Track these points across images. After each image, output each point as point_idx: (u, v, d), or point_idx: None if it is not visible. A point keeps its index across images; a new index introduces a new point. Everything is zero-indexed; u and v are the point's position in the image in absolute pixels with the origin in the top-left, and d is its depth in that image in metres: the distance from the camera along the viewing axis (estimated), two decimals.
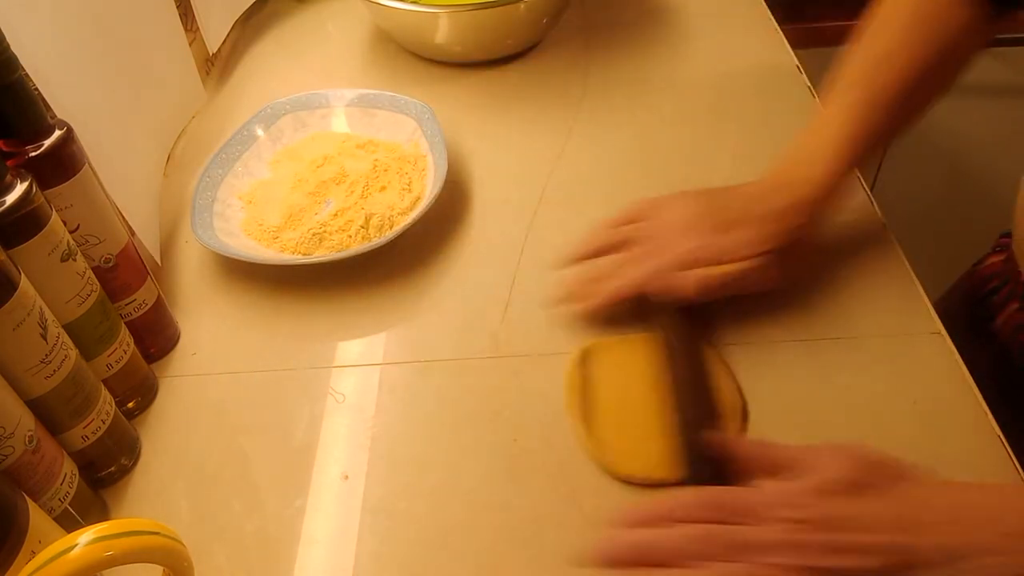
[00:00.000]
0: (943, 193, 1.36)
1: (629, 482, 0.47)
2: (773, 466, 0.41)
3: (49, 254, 0.43)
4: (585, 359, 0.53)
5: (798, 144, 0.55)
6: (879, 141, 0.54)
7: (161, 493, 0.49)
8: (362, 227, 0.61)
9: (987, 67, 1.17)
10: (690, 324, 0.53)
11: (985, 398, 0.50)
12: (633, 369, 0.52)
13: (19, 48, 0.42)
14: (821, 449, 0.41)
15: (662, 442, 0.48)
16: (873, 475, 0.39)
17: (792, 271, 0.54)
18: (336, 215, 0.63)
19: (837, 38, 1.29)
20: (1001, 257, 0.68)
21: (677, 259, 0.52)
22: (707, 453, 0.44)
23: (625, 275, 0.53)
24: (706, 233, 0.52)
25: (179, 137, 0.76)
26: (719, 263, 0.52)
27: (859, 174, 0.66)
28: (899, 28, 0.53)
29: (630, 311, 0.54)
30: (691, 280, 0.51)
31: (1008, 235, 0.68)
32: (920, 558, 0.36)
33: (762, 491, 0.40)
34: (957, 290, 0.74)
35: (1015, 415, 0.50)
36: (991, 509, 0.38)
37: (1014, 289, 0.64)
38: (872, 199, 0.64)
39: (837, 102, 0.54)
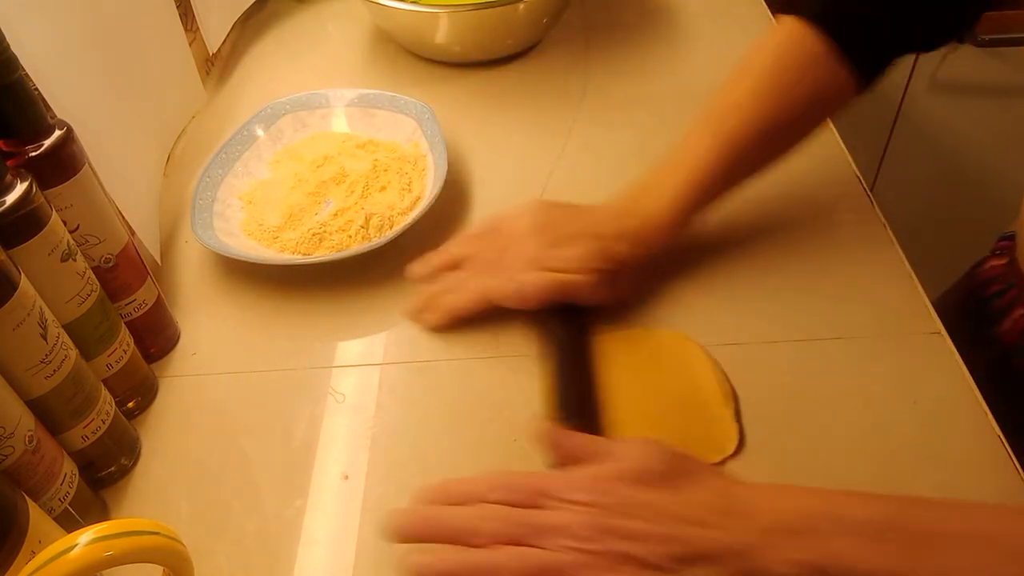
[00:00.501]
0: (943, 193, 1.36)
1: None
2: (585, 456, 0.43)
3: (49, 254, 0.43)
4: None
5: (647, 177, 0.56)
6: (726, 185, 0.56)
7: (161, 493, 0.49)
8: (362, 227, 0.61)
9: (987, 67, 1.17)
10: (568, 323, 0.54)
11: (984, 399, 0.50)
12: (609, 365, 0.54)
13: (19, 48, 0.42)
14: (628, 441, 0.43)
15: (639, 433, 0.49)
16: (672, 468, 0.41)
17: (621, 292, 0.55)
18: (336, 215, 0.63)
19: None
20: (1003, 261, 0.68)
21: (512, 269, 0.54)
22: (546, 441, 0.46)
23: (463, 289, 0.56)
24: (543, 245, 0.54)
25: (179, 137, 0.76)
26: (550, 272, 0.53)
27: (859, 174, 0.66)
28: (756, 78, 0.55)
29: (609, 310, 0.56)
30: (511, 287, 0.53)
31: (1009, 238, 0.68)
32: (706, 549, 0.37)
33: (560, 476, 0.42)
34: (955, 292, 0.74)
35: (1014, 416, 0.50)
36: (770, 502, 0.39)
37: (1019, 294, 0.64)
38: (872, 199, 0.64)
39: (693, 140, 0.55)
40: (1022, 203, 0.62)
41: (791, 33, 0.54)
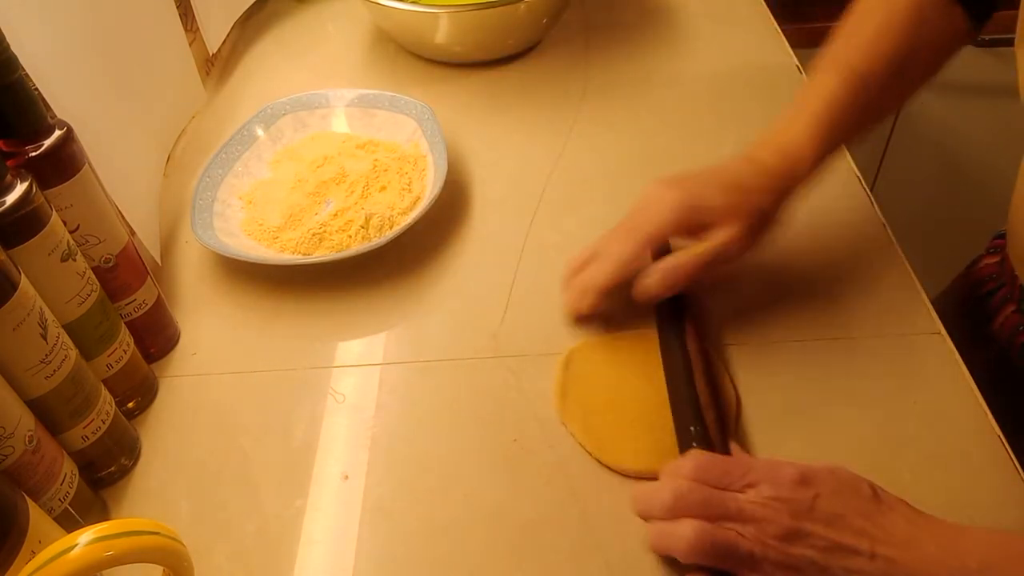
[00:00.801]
0: (943, 193, 1.36)
1: (626, 475, 0.48)
2: (752, 479, 0.42)
3: (49, 254, 0.43)
4: (571, 362, 0.54)
5: (777, 124, 0.55)
6: (857, 127, 0.55)
7: (161, 493, 0.49)
8: (362, 227, 0.61)
9: (987, 67, 1.17)
10: (681, 317, 0.53)
11: (983, 398, 0.50)
12: (622, 365, 0.53)
13: (19, 48, 0.42)
14: (797, 467, 0.42)
15: (654, 434, 0.49)
16: (870, 490, 0.41)
17: (762, 239, 0.53)
18: (336, 215, 0.63)
19: None
20: (996, 259, 0.68)
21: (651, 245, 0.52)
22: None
23: (599, 262, 0.53)
24: (682, 202, 0.51)
25: (179, 137, 0.76)
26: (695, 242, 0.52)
27: (859, 174, 0.66)
28: (878, 21, 0.55)
29: (623, 309, 0.54)
30: (654, 276, 0.51)
31: (1002, 236, 0.68)
32: (888, 570, 0.38)
33: (764, 467, 0.42)
34: (952, 291, 0.74)
35: (1014, 416, 0.50)
36: (980, 543, 0.39)
37: (1011, 292, 0.64)
38: (872, 199, 0.64)
39: (817, 85, 0.55)
40: (1012, 200, 0.62)
41: None
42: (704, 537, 0.39)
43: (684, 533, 0.39)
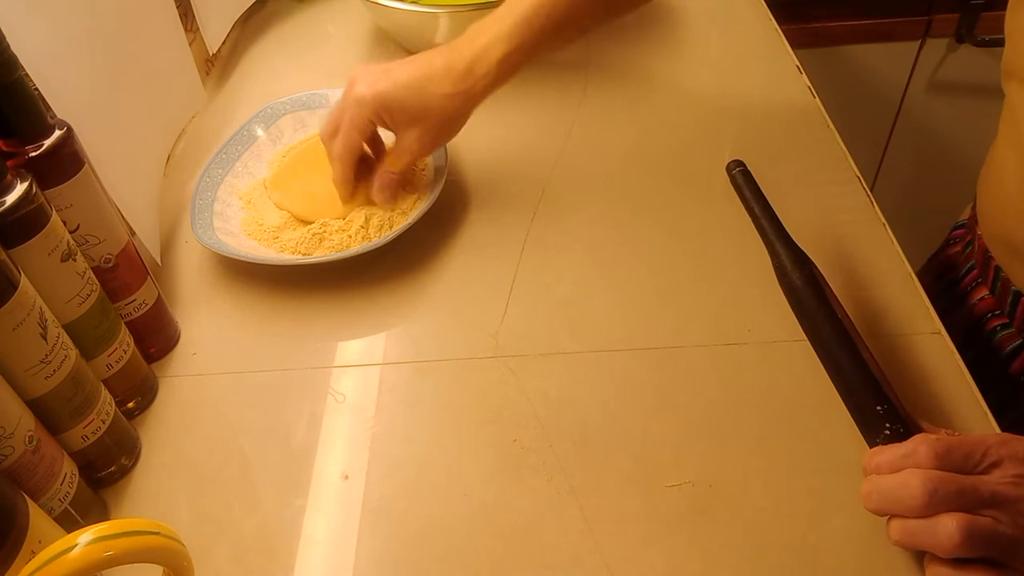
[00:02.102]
0: (943, 192, 1.36)
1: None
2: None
3: (49, 254, 0.43)
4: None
5: (477, 28, 0.59)
6: (549, 44, 0.58)
7: (161, 493, 0.49)
8: (362, 227, 0.61)
9: (987, 67, 1.17)
10: (821, 291, 0.48)
11: (983, 398, 0.50)
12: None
13: (19, 48, 0.42)
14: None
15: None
16: None
17: (442, 137, 0.61)
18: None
19: (837, 38, 1.29)
20: (958, 248, 0.68)
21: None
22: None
23: (334, 164, 0.63)
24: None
25: (179, 137, 0.76)
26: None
27: (859, 174, 0.66)
28: None
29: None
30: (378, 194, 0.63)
31: (960, 227, 0.68)
32: None
33: (1003, 441, 0.39)
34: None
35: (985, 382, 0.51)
36: None
37: (982, 274, 0.64)
38: (872, 199, 0.64)
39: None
40: (981, 182, 0.61)
41: None
42: (972, 531, 0.37)
43: (948, 530, 0.37)
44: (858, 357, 0.45)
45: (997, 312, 0.62)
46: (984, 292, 0.63)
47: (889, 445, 0.42)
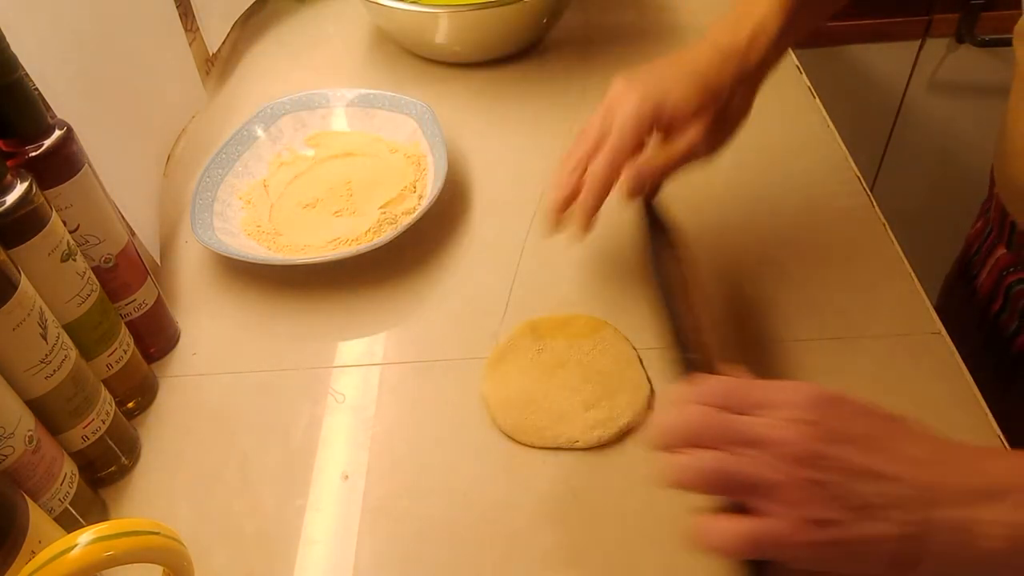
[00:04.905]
0: (943, 193, 1.36)
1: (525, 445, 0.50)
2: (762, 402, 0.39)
3: (49, 254, 0.43)
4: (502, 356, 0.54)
5: (730, 13, 0.56)
6: (809, 17, 0.55)
7: (161, 493, 0.49)
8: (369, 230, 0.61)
9: (987, 67, 1.17)
10: (668, 242, 0.52)
11: (983, 399, 0.50)
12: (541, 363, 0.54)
13: (19, 48, 0.42)
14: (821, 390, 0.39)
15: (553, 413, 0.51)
16: (889, 414, 0.38)
17: (730, 129, 0.54)
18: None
19: (837, 38, 1.29)
20: (979, 224, 0.68)
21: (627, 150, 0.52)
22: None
23: (586, 190, 0.52)
24: (640, 97, 0.52)
25: (179, 137, 0.76)
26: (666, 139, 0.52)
27: (859, 174, 0.66)
28: None
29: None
30: (634, 178, 0.52)
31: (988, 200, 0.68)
32: (914, 498, 0.35)
33: (777, 387, 0.39)
34: (949, 280, 0.73)
35: (995, 374, 0.50)
36: (1000, 463, 0.37)
37: (999, 235, 0.63)
38: (872, 199, 0.64)
39: None
40: (1000, 137, 0.61)
41: None
42: (715, 465, 0.36)
43: (693, 464, 0.36)
44: (683, 303, 0.47)
45: (1013, 268, 0.62)
46: (1002, 250, 0.63)
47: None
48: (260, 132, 0.71)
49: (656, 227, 0.53)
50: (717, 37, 0.54)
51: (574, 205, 0.53)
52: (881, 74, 1.24)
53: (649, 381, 0.52)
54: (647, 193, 0.53)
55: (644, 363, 0.53)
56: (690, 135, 0.52)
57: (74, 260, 0.45)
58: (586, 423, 0.50)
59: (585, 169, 0.53)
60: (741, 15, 0.54)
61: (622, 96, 0.53)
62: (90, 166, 0.47)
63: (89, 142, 0.47)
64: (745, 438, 0.37)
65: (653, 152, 0.52)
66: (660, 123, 0.52)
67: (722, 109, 0.52)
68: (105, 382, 0.48)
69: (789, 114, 0.72)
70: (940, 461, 0.37)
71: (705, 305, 0.48)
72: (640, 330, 0.55)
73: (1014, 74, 0.56)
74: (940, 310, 0.54)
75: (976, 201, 0.70)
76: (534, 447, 0.49)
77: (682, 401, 0.39)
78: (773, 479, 0.35)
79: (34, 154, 0.43)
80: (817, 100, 0.73)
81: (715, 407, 0.38)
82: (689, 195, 0.66)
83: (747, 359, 0.46)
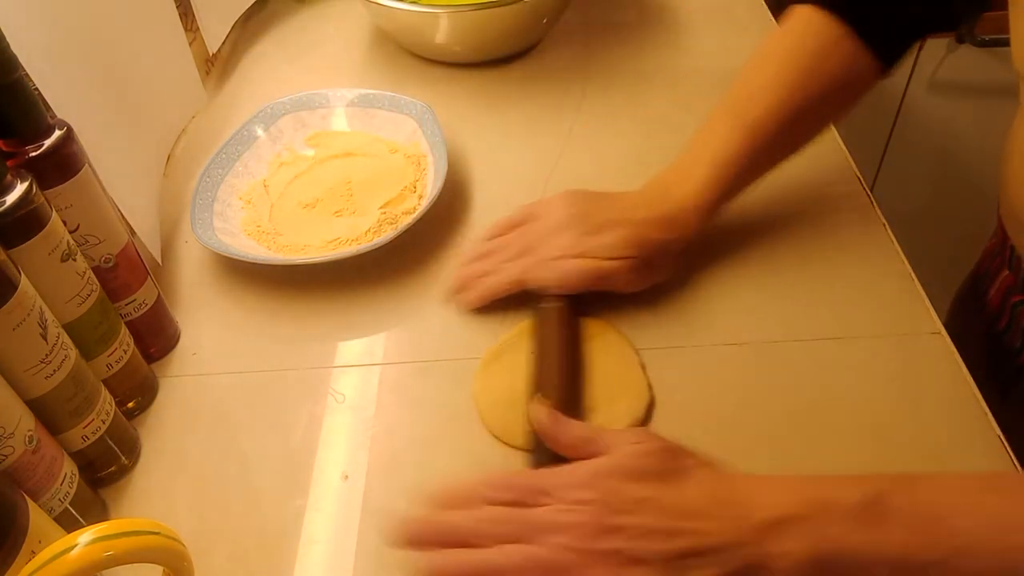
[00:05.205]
0: (943, 193, 1.36)
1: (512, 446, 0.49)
2: (581, 446, 0.43)
3: (49, 254, 0.43)
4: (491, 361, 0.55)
5: (678, 161, 0.57)
6: (757, 168, 0.56)
7: (161, 493, 0.49)
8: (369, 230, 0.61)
9: (987, 67, 1.17)
10: (562, 313, 0.54)
11: (983, 399, 0.50)
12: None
13: (19, 48, 0.42)
14: (624, 433, 0.43)
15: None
16: (668, 462, 0.41)
17: (653, 278, 0.56)
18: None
19: None
20: (993, 240, 0.68)
21: (547, 256, 0.55)
22: (541, 427, 0.46)
23: (500, 272, 0.56)
24: (578, 234, 0.55)
25: (179, 137, 0.76)
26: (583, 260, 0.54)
27: (859, 174, 0.66)
28: (777, 64, 0.55)
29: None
30: (552, 271, 0.54)
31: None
32: (705, 545, 0.37)
33: (559, 473, 0.41)
34: (961, 292, 0.74)
35: (1001, 386, 0.51)
36: (764, 495, 0.39)
37: (1005, 258, 0.64)
38: (872, 199, 0.64)
39: (717, 126, 0.56)
40: (1001, 160, 0.62)
41: (809, 20, 0.55)
42: (519, 559, 0.38)
43: (496, 557, 0.38)
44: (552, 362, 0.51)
45: (1016, 290, 0.62)
46: (1006, 271, 0.63)
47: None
48: (260, 132, 0.71)
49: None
50: (659, 204, 0.56)
51: (472, 285, 0.57)
52: None
53: (650, 388, 0.52)
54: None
55: (646, 368, 0.53)
56: (612, 269, 0.54)
57: (74, 260, 0.45)
58: None
59: (490, 254, 0.58)
60: (676, 186, 0.56)
61: (556, 211, 0.57)
62: (90, 166, 0.47)
63: (89, 142, 0.47)
64: (538, 528, 0.39)
65: (577, 263, 0.54)
66: (586, 254, 0.54)
67: (648, 261, 0.55)
68: (105, 382, 0.48)
69: None
70: (724, 502, 0.39)
71: (571, 363, 0.51)
72: (643, 332, 0.55)
73: (1020, 101, 0.57)
74: (949, 324, 0.55)
75: (975, 201, 0.70)
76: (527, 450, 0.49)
77: (469, 500, 0.41)
78: (576, 560, 0.37)
79: (34, 154, 0.43)
80: None
81: (504, 503, 0.40)
82: None
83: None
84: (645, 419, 0.50)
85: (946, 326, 0.54)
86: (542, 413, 0.45)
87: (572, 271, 0.54)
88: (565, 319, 0.54)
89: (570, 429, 0.44)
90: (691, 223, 0.55)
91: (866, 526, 0.36)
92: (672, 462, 0.41)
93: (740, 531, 0.37)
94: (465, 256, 0.60)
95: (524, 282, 0.55)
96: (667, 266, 0.57)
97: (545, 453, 0.45)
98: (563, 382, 0.50)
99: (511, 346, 0.54)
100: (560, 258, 0.54)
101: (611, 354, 0.53)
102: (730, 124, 0.55)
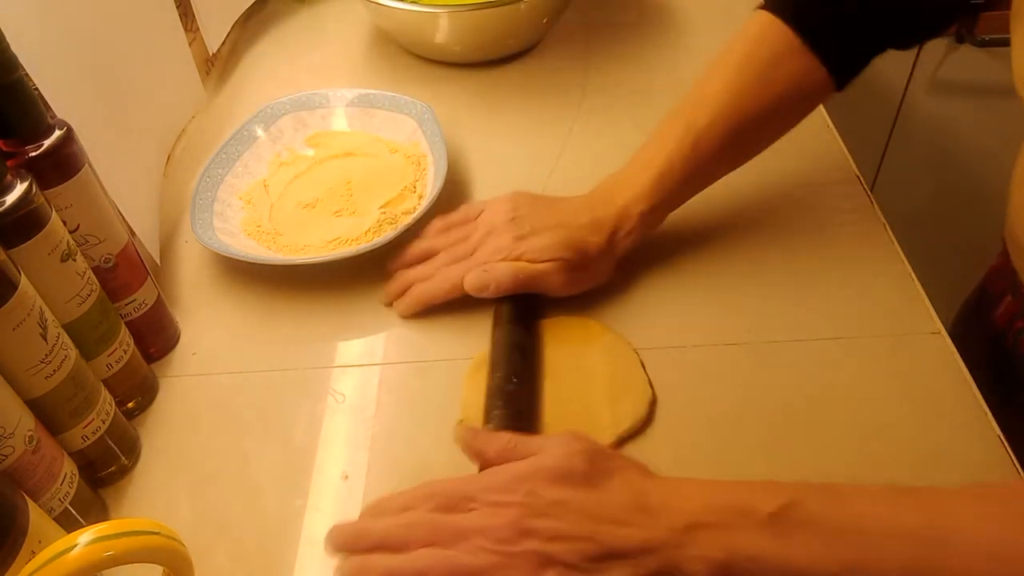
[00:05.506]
0: (943, 193, 1.36)
1: None
2: (509, 456, 0.43)
3: (49, 254, 0.43)
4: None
5: (625, 167, 0.58)
6: (698, 178, 0.56)
7: (161, 493, 0.49)
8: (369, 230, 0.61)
9: (987, 67, 1.17)
10: (516, 317, 0.54)
11: (984, 399, 0.50)
12: None
13: (19, 48, 0.42)
14: (551, 438, 0.43)
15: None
16: (592, 466, 0.41)
17: (580, 284, 0.56)
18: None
19: None
20: (999, 261, 0.68)
21: (483, 259, 0.55)
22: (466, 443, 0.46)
23: (436, 278, 0.57)
24: (513, 237, 0.55)
25: (179, 137, 0.76)
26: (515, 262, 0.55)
27: (859, 174, 0.66)
28: (729, 72, 0.55)
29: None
30: (487, 275, 0.54)
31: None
32: (620, 548, 0.38)
33: (480, 478, 0.42)
34: (968, 302, 0.74)
35: (1004, 398, 0.51)
36: (682, 499, 0.39)
37: (1010, 284, 0.64)
38: (872, 199, 0.64)
39: (663, 134, 0.56)
40: (1010, 195, 0.62)
41: (764, 27, 0.54)
42: (447, 563, 0.38)
43: (426, 566, 0.38)
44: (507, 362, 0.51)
45: (1019, 316, 0.62)
46: (1010, 297, 0.64)
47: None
48: (260, 132, 0.71)
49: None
50: (598, 208, 0.56)
51: (410, 291, 0.57)
52: (881, 74, 1.24)
53: (651, 386, 0.52)
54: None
55: (646, 367, 0.53)
56: (543, 271, 0.54)
57: (74, 260, 0.45)
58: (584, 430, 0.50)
59: (427, 257, 0.58)
60: (620, 189, 0.56)
61: (496, 213, 0.57)
62: (90, 166, 0.47)
63: (89, 142, 0.47)
64: (458, 532, 0.39)
65: (507, 267, 0.54)
66: (521, 257, 0.54)
67: (581, 264, 0.55)
68: (105, 382, 0.48)
69: None
70: (643, 506, 0.39)
71: (520, 366, 0.51)
72: (642, 332, 0.55)
73: None
74: (954, 333, 0.55)
75: (976, 202, 0.70)
76: None
77: (401, 508, 0.42)
78: (493, 562, 0.38)
79: (34, 154, 0.43)
80: None
81: (432, 509, 0.41)
82: None
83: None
84: (649, 417, 0.50)
85: (950, 334, 0.54)
86: (462, 432, 0.45)
87: (505, 273, 0.54)
88: (512, 322, 0.54)
89: (493, 440, 0.44)
90: (630, 227, 0.55)
91: (776, 535, 0.37)
92: (596, 465, 0.41)
93: (657, 534, 0.38)
94: (404, 258, 0.59)
95: (458, 287, 0.55)
96: (603, 270, 0.56)
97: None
98: (506, 385, 0.50)
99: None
100: (495, 261, 0.55)
101: (611, 355, 0.53)
102: (679, 130, 0.55)
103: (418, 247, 0.59)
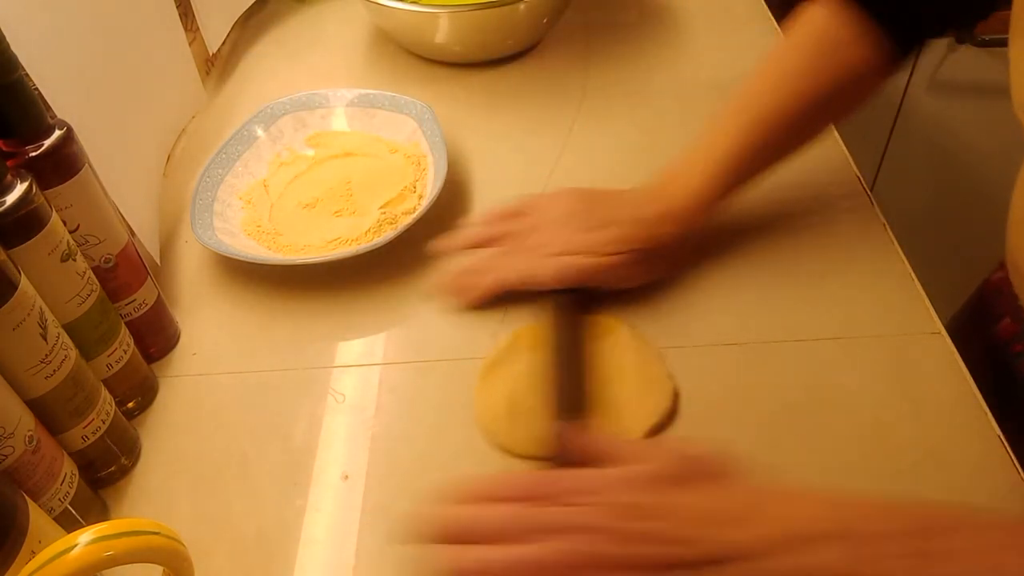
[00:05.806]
0: (943, 193, 1.36)
1: (515, 456, 0.49)
2: (605, 457, 0.42)
3: (49, 254, 0.43)
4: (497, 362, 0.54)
5: (682, 157, 0.57)
6: (762, 164, 0.56)
7: (161, 493, 0.49)
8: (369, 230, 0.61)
9: (987, 67, 1.17)
10: (574, 311, 0.54)
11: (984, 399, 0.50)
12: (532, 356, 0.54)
13: (19, 48, 0.42)
14: (648, 443, 0.43)
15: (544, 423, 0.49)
16: (691, 471, 0.40)
17: (655, 273, 0.57)
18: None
19: None
20: (999, 274, 0.68)
21: (547, 252, 0.55)
22: (566, 439, 0.46)
23: (498, 269, 0.56)
24: (578, 230, 0.55)
25: (179, 137, 0.76)
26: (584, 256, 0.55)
27: (859, 174, 0.66)
28: (795, 58, 0.55)
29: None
30: (550, 267, 0.54)
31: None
32: (720, 554, 0.37)
33: (578, 476, 0.41)
34: (967, 307, 0.74)
35: (1004, 408, 0.51)
36: (783, 508, 0.39)
37: (1010, 303, 0.64)
38: (872, 199, 0.64)
39: (725, 122, 0.56)
40: (1010, 214, 0.62)
41: (817, 18, 0.55)
42: (554, 556, 0.37)
43: (533, 556, 0.37)
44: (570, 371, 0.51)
45: (1017, 339, 0.62)
46: (1008, 320, 0.64)
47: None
48: (260, 132, 0.71)
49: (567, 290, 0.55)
50: (663, 197, 0.56)
51: (471, 285, 0.57)
52: None
53: (671, 378, 0.51)
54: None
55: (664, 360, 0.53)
56: (608, 264, 0.54)
57: (74, 260, 0.45)
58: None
59: (483, 244, 0.58)
60: (683, 178, 0.56)
61: (556, 207, 0.57)
62: (90, 166, 0.47)
63: (89, 142, 0.47)
64: (552, 527, 0.38)
65: (577, 258, 0.54)
66: (592, 250, 0.54)
67: (646, 257, 0.55)
68: (105, 382, 0.48)
69: None
70: (748, 517, 0.38)
71: (583, 362, 0.51)
72: (642, 332, 0.55)
73: None
74: (955, 337, 0.55)
75: (976, 202, 0.70)
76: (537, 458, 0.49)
77: (487, 497, 0.41)
78: (603, 561, 0.37)
79: (34, 154, 0.43)
80: None
81: (521, 500, 0.40)
82: None
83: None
84: (673, 410, 0.50)
85: (952, 337, 0.54)
86: (567, 430, 0.45)
87: (569, 267, 0.54)
88: (574, 315, 0.54)
89: (593, 440, 0.44)
90: (691, 218, 0.55)
91: (880, 559, 0.36)
92: (695, 470, 0.40)
93: (757, 542, 0.37)
94: (459, 241, 0.59)
95: (523, 281, 0.55)
96: (667, 262, 0.57)
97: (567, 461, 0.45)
98: (578, 383, 0.50)
99: (506, 356, 0.54)
100: (557, 254, 0.55)
101: (628, 350, 0.53)
102: (736, 119, 0.55)
103: (469, 235, 0.59)
